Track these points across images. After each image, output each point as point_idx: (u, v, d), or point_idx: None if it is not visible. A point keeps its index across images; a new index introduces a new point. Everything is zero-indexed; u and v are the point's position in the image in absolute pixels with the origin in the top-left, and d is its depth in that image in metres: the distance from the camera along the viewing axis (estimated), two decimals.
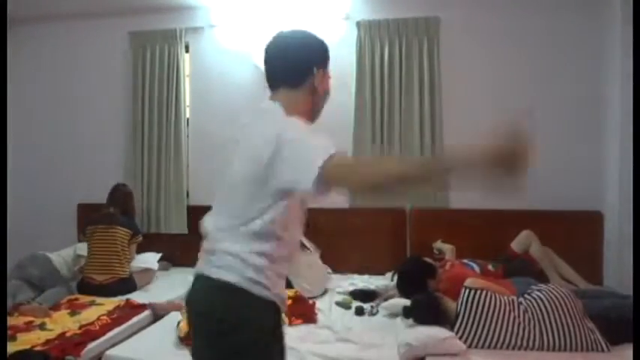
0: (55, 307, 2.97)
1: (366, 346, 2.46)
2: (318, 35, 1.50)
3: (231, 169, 1.39)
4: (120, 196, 3.73)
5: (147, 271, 3.67)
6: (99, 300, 3.11)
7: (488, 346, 2.34)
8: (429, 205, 3.78)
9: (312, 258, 3.49)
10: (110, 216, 3.56)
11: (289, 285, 3.24)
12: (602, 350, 2.29)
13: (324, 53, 1.48)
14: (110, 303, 3.05)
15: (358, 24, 3.83)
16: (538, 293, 2.47)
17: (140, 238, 3.65)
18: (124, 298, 3.16)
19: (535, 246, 3.31)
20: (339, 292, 3.36)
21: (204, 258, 1.40)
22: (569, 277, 3.28)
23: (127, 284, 3.38)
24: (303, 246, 3.34)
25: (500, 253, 3.36)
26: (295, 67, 1.42)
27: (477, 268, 3.11)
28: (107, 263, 3.36)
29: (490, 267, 3.17)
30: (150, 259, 3.76)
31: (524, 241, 3.35)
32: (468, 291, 2.41)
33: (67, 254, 3.69)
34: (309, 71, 1.42)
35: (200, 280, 1.39)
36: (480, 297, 2.38)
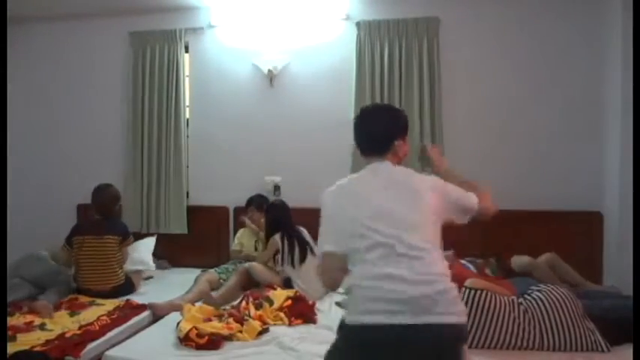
0: (55, 308, 2.95)
1: None
2: (400, 108, 1.79)
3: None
4: (107, 198, 3.47)
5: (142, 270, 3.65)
6: (99, 300, 3.10)
7: (489, 347, 2.33)
8: None
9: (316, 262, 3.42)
10: (98, 225, 3.38)
11: (289, 285, 3.24)
12: (602, 351, 2.29)
13: (405, 125, 1.72)
14: (110, 303, 3.04)
15: (358, 24, 3.82)
16: (538, 294, 2.47)
17: (131, 240, 3.51)
18: (123, 298, 3.15)
19: (538, 272, 3.13)
20: (339, 293, 3.32)
21: None
22: (574, 282, 3.21)
23: (125, 289, 3.33)
24: (311, 250, 3.25)
25: (500, 263, 3.31)
26: (383, 139, 1.66)
27: (473, 270, 3.10)
28: (100, 274, 3.26)
29: (488, 272, 3.15)
30: (144, 259, 3.68)
31: (524, 267, 3.19)
32: (468, 291, 2.41)
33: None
34: (393, 142, 1.66)
35: None
36: (480, 297, 2.38)
